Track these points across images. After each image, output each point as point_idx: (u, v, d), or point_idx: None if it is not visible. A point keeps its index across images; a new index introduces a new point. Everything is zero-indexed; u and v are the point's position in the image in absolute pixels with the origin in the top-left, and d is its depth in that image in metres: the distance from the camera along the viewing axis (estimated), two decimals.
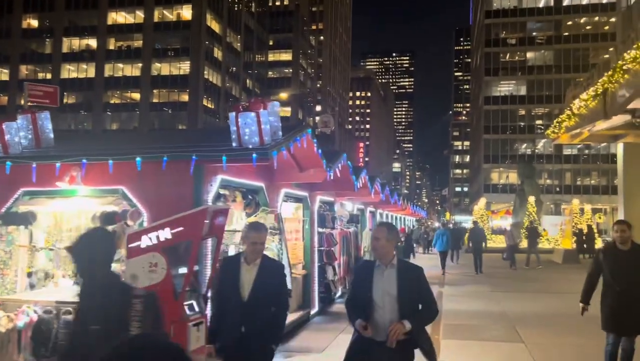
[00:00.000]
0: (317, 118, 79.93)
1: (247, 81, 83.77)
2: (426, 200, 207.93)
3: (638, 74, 12.06)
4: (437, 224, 77.48)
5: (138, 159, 5.52)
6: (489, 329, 10.01)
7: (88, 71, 71.27)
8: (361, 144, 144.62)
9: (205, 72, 69.20)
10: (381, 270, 4.03)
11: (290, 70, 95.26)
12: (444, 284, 16.91)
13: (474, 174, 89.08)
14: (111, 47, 71.27)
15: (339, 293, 13.38)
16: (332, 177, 8.67)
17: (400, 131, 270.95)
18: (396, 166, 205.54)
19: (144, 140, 10.14)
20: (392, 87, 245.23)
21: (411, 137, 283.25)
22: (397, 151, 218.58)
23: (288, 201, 10.07)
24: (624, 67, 12.50)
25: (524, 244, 26.62)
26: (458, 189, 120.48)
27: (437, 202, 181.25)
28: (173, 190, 5.91)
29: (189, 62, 67.31)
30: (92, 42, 71.09)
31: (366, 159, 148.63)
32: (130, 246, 5.03)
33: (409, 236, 33.71)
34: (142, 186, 5.91)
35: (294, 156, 8.09)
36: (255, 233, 4.29)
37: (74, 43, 71.95)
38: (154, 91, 68.14)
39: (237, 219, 8.23)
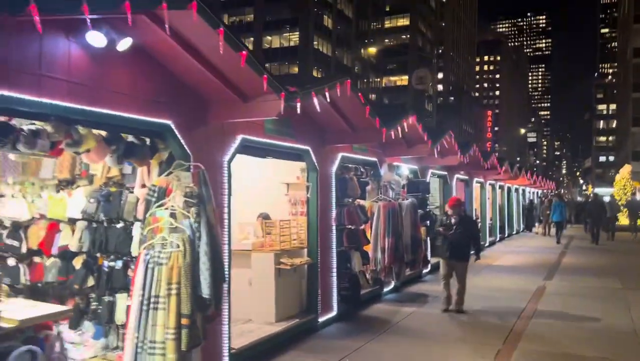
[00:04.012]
0: (437, 83, 73.94)
1: (362, 50, 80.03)
2: (565, 172, 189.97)
3: None
4: (579, 198, 69.17)
5: None
6: None
7: None
8: (489, 113, 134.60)
9: (315, 42, 66.99)
10: None
11: (408, 35, 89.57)
12: (553, 275, 12.53)
13: (620, 141, 77.66)
14: (225, 22, 71.66)
15: (389, 288, 9.89)
16: (299, 112, 5.24)
17: (536, 97, 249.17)
18: (531, 136, 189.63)
19: None
20: (526, 50, 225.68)
21: (548, 104, 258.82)
22: (533, 120, 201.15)
23: (269, 157, 6.81)
24: None
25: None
26: (602, 158, 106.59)
27: (578, 174, 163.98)
28: None
29: (298, 32, 65.53)
30: None
31: (495, 128, 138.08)
32: None
33: (529, 212, 28.63)
34: None
35: (217, 69, 4.80)
36: None
37: None
38: (266, 65, 67.04)
39: (142, 176, 5.19)
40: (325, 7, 69.10)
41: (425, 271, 11.85)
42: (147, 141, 4.84)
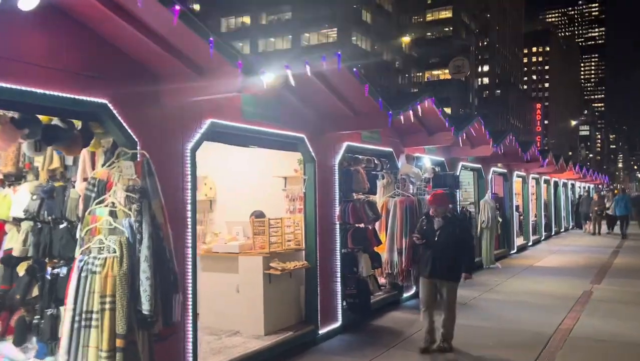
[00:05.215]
0: (477, 75, 71.34)
1: (402, 44, 78.19)
2: (621, 165, 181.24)
3: None
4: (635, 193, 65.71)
5: None
6: None
7: (243, 48, 72.50)
8: (538, 105, 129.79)
9: (354, 37, 65.94)
10: None
11: (451, 28, 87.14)
12: (602, 278, 11.14)
13: None
14: (263, 22, 71.49)
15: (409, 293, 8.85)
16: (264, 87, 4.34)
17: (588, 89, 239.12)
18: (584, 129, 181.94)
19: None
20: (577, 40, 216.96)
21: (602, 96, 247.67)
22: (585, 112, 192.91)
23: (252, 145, 5.94)
24: None
25: None
26: None
27: (636, 168, 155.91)
28: None
29: (336, 29, 64.70)
30: (246, 19, 72.16)
31: (545, 122, 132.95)
32: None
33: (577, 210, 26.66)
34: None
35: (155, 33, 3.96)
36: None
37: (230, 22, 73.76)
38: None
39: (85, 168, 4.42)
40: (364, 1, 67.85)
41: None
42: (79, 124, 4.04)
